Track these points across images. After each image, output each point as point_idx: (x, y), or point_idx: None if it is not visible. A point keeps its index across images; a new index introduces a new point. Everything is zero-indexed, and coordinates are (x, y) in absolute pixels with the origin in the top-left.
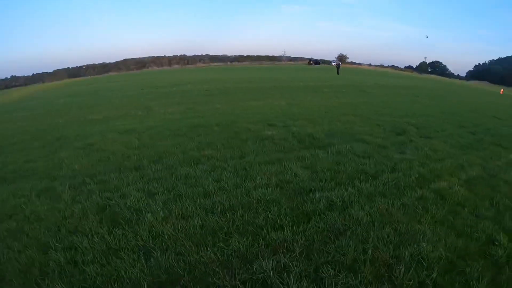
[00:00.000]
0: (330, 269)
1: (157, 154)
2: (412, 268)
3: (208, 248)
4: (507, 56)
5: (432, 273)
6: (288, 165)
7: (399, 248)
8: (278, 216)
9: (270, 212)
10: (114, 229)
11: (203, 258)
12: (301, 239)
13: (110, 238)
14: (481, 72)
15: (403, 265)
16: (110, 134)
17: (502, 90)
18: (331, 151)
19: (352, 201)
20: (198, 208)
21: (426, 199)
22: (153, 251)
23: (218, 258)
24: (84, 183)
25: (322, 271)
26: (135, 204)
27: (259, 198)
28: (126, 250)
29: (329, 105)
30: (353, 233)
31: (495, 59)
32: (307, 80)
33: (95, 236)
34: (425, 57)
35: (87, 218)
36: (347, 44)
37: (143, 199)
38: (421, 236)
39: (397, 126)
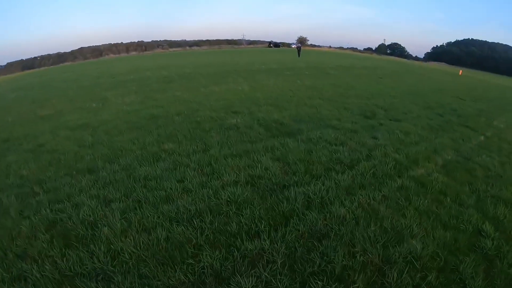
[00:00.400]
0: (318, 282)
1: (113, 152)
2: (405, 272)
3: (176, 267)
4: (464, 39)
5: (428, 276)
6: (257, 158)
7: (388, 249)
8: (252, 220)
9: (242, 216)
10: (67, 250)
11: (171, 280)
12: (281, 247)
13: (63, 262)
14: (438, 54)
15: (396, 269)
16: (63, 132)
17: (460, 71)
18: (301, 139)
19: (331, 197)
20: (161, 216)
21: (406, 188)
22: (113, 276)
23: (189, 279)
24: (32, 193)
25: (310, 285)
26: (90, 215)
27: (228, 199)
28: (82, 277)
29: (294, 88)
30: (337, 234)
31: (452, 41)
32: (269, 63)
33: (46, 261)
34: (384, 39)
35: (36, 237)
36: (307, 27)
37: (98, 208)
38: (408, 232)
39: (365, 109)
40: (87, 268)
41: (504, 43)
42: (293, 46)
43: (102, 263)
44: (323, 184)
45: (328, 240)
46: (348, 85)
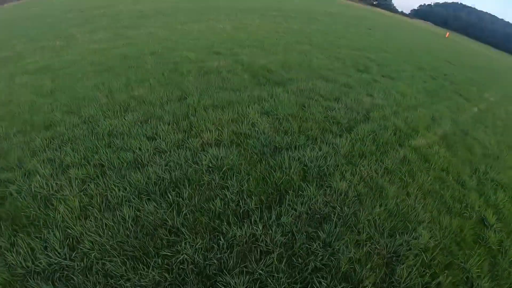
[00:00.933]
0: (322, 281)
1: (74, 101)
2: (415, 268)
3: (149, 262)
4: (452, 2)
5: (437, 275)
6: (242, 110)
7: (395, 237)
8: (239, 195)
9: (228, 188)
10: (16, 238)
11: (143, 280)
12: (277, 234)
13: (13, 255)
14: (425, 12)
15: (405, 264)
16: (20, 77)
17: (448, 33)
18: (292, 90)
19: (330, 166)
20: (128, 188)
21: (410, 162)
22: (72, 276)
23: (166, 277)
24: None
25: (313, 286)
26: (43, 187)
27: (210, 164)
28: (35, 276)
29: (280, 30)
30: (339, 217)
31: (440, 2)
32: (252, 1)
33: None
34: None
35: None
36: None
37: (53, 177)
38: (415, 217)
39: (357, 61)
40: (41, 263)
41: (492, 14)
42: None
43: (58, 255)
44: (320, 149)
45: (330, 224)
46: (337, 33)
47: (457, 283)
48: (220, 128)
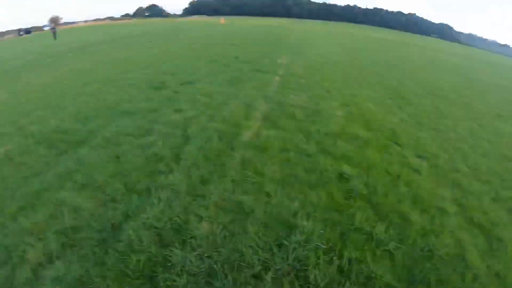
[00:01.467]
0: None
1: None
2: (322, 261)
3: None
4: None
5: (342, 256)
6: (56, 198)
7: (286, 247)
8: None
9: None
10: None
11: None
12: None
13: None
14: (196, 7)
15: (310, 266)
16: None
17: (222, 19)
18: (98, 144)
19: (180, 214)
20: None
21: (250, 161)
22: None
23: None
24: None
25: None
26: None
27: None
28: None
29: (62, 77)
30: (222, 263)
31: None
32: (22, 55)
33: None
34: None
35: None
36: (55, 4)
37: None
38: (288, 213)
39: (151, 79)
40: None
41: None
42: (45, 28)
43: None
44: (159, 199)
45: (219, 277)
46: (121, 59)
47: (363, 244)
48: (42, 237)
